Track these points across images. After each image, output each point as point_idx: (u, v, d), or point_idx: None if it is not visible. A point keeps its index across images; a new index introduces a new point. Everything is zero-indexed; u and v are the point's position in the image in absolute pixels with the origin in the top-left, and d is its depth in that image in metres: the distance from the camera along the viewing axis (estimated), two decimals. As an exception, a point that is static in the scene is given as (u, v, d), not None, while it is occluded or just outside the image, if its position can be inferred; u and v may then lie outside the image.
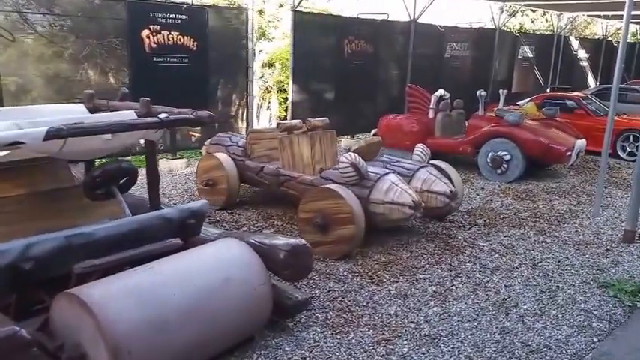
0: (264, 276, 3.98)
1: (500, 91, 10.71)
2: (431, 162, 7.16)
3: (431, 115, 10.43)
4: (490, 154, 9.42)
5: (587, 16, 19.55)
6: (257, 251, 4.14)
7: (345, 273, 5.54)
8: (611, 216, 7.68)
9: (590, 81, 20.32)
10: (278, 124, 7.23)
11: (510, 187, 9.03)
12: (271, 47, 17.67)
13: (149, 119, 4.21)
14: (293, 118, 10.92)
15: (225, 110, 10.55)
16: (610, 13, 17.27)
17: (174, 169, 9.38)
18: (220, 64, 10.09)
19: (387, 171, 6.20)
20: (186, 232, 4.32)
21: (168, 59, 9.10)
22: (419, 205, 5.90)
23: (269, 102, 18.03)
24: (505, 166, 9.28)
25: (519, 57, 17.01)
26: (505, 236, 6.75)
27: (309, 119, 7.58)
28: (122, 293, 3.33)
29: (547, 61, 18.20)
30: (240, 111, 10.64)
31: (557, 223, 7.29)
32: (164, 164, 9.52)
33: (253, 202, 7.73)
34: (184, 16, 9.15)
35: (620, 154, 11.75)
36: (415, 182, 6.42)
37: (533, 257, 6.12)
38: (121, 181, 4.58)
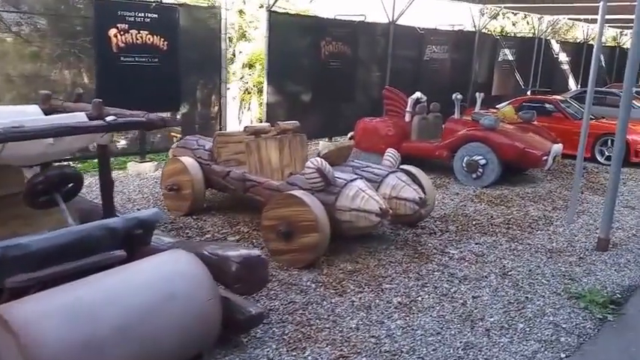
0: (213, 291, 3.77)
1: (477, 94, 10.58)
2: (401, 167, 6.98)
3: (407, 118, 10.27)
4: (465, 159, 9.27)
5: (569, 19, 19.52)
6: (208, 263, 3.93)
7: (309, 283, 5.34)
8: (586, 222, 7.54)
9: (571, 84, 20.30)
10: (245, 127, 7.03)
11: (485, 192, 8.88)
12: (251, 48, 17.44)
13: (94, 122, 4.00)
14: (268, 121, 10.73)
15: (200, 112, 10.33)
16: (590, 17, 17.20)
17: (142, 172, 9.13)
18: (194, 65, 9.89)
19: (355, 176, 6.01)
20: (132, 242, 4.09)
21: (136, 59, 8.86)
22: (386, 212, 5.71)
23: (249, 103, 17.81)
24: (480, 170, 9.13)
25: (499, 60, 16.92)
26: (476, 243, 6.59)
27: (278, 122, 7.38)
28: (53, 311, 3.10)
29: (528, 64, 18.14)
30: (215, 113, 10.41)
31: (531, 230, 7.14)
32: (132, 167, 9.28)
33: (221, 208, 7.51)
34: (154, 15, 8.92)
35: (599, 158, 11.65)
36: (384, 188, 6.23)
37: (504, 266, 5.95)
38: (66, 188, 4.32)
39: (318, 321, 4.62)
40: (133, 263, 3.77)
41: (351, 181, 5.86)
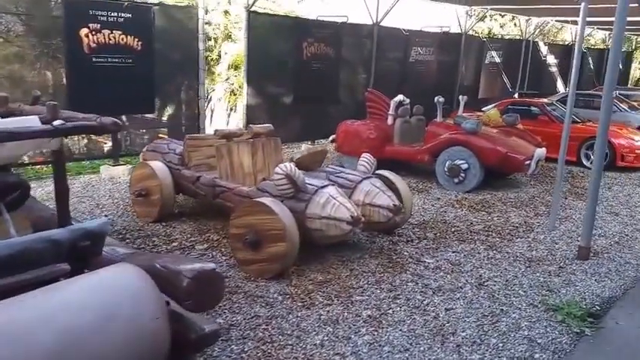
0: (159, 309, 3.51)
1: (460, 97, 10.39)
2: (377, 172, 6.77)
3: (390, 121, 10.07)
4: (447, 163, 9.06)
5: (557, 21, 19.37)
6: (158, 277, 3.69)
7: (275, 295, 5.11)
8: (568, 230, 7.34)
9: (560, 87, 20.15)
10: (215, 130, 6.79)
11: (467, 197, 8.68)
12: (237, 49, 17.21)
13: (37, 127, 3.74)
14: (248, 123, 10.50)
15: (177, 114, 10.09)
16: (578, 19, 17.07)
17: (115, 176, 8.87)
18: (170, 66, 9.66)
19: (326, 183, 5.79)
20: (78, 255, 3.85)
21: (109, 60, 8.61)
22: (358, 220, 5.50)
23: (235, 105, 17.59)
24: (462, 175, 8.93)
25: (486, 62, 16.74)
26: (454, 252, 6.37)
27: (251, 125, 7.17)
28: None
29: (515, 67, 17.97)
30: (194, 115, 10.17)
31: (510, 238, 6.94)
32: (105, 171, 9.03)
33: (192, 214, 7.27)
34: (128, 15, 8.67)
35: (584, 162, 11.48)
36: (357, 195, 6.01)
37: (480, 276, 5.74)
38: (10, 196, 4.06)
39: (281, 337, 4.39)
40: (74, 279, 3.52)
41: (322, 187, 5.65)
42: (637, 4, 6.55)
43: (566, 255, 6.42)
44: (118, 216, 7.17)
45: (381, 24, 12.86)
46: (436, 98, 9.90)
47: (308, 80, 11.43)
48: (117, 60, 8.69)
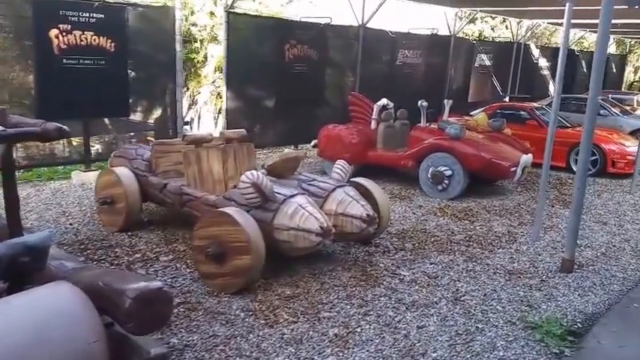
0: (96, 332, 3.22)
1: (445, 101, 10.11)
2: (353, 179, 6.49)
3: (373, 125, 9.80)
4: (431, 169, 8.78)
5: (548, 23, 19.13)
6: (100, 296, 3.40)
7: (238, 312, 4.82)
8: (553, 240, 7.06)
9: (552, 90, 19.87)
10: (183, 135, 6.50)
11: (450, 205, 8.40)
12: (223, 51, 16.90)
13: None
14: (228, 128, 10.21)
15: (154, 117, 9.78)
16: (571, 22, 16.83)
17: (86, 182, 8.55)
18: (146, 68, 9.35)
19: (296, 192, 5.49)
20: (18, 272, 3.55)
21: (80, 61, 8.30)
22: (327, 231, 5.21)
23: (220, 108, 17.28)
24: (446, 182, 8.65)
25: (476, 65, 16.47)
26: (431, 263, 6.09)
27: (222, 130, 6.87)
28: None
29: (506, 70, 17.70)
30: (172, 118, 9.86)
31: (492, 248, 6.65)
32: (76, 177, 8.72)
33: (161, 223, 6.98)
34: (100, 15, 8.36)
35: (574, 168, 11.18)
36: (329, 204, 5.71)
37: (457, 290, 5.45)
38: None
39: (238, 359, 4.10)
40: (5, 299, 3.23)
41: (291, 196, 5.35)
42: (625, 6, 6.26)
43: (549, 267, 6.13)
44: (83, 225, 6.86)
45: (367, 26, 12.57)
46: (419, 102, 9.63)
47: (290, 83, 11.12)
48: (89, 62, 8.39)
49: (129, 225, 6.57)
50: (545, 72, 19.78)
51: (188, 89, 16.31)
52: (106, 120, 9.32)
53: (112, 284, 3.56)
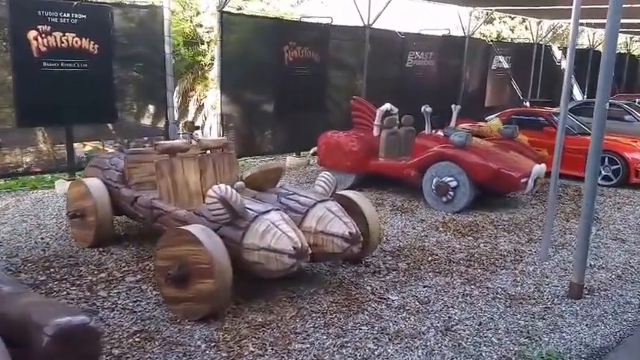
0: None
1: (453, 106, 9.46)
2: (341, 192, 5.95)
3: (375, 132, 9.24)
4: (435, 180, 8.18)
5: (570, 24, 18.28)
6: (19, 331, 2.94)
7: (199, 342, 4.31)
8: (563, 259, 6.42)
9: (577, 94, 19.07)
10: (155, 143, 6.02)
11: (455, 219, 7.79)
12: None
13: None
14: (223, 135, 9.74)
15: (144, 122, 9.34)
16: (594, 21, 16.06)
17: (69, 191, 8.11)
18: (134, 71, 8.91)
19: (269, 207, 4.97)
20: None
21: (61, 64, 7.89)
22: (302, 252, 4.68)
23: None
24: (451, 193, 8.04)
25: (493, 67, 15.78)
26: (425, 286, 5.51)
27: (200, 138, 6.39)
28: None
29: (526, 73, 16.94)
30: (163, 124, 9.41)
31: (494, 269, 6.04)
32: (60, 186, 8.30)
33: (137, 238, 6.51)
34: (82, 16, 7.94)
35: (594, 178, 10.47)
36: (309, 221, 5.15)
37: (449, 317, 4.87)
38: None
39: (185, 402, 3.58)
40: None
41: (264, 213, 4.83)
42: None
43: (556, 292, 5.51)
44: (55, 239, 6.43)
45: (373, 26, 11.98)
46: (423, 107, 9.03)
47: (291, 87, 10.60)
48: (70, 65, 7.98)
49: (100, 240, 6.11)
50: (569, 75, 18.90)
51: (195, 92, 15.93)
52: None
53: (32, 317, 3.08)
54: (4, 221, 6.97)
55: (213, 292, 4.48)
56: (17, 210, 7.47)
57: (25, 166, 8.21)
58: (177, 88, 18.23)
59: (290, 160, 11.17)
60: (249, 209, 4.86)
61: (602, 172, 10.37)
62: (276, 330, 4.53)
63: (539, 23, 17.17)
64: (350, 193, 5.99)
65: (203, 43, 15.85)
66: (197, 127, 9.76)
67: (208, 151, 6.25)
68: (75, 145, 8.52)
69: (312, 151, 9.83)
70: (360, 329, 4.61)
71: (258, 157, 11.20)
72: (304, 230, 5.06)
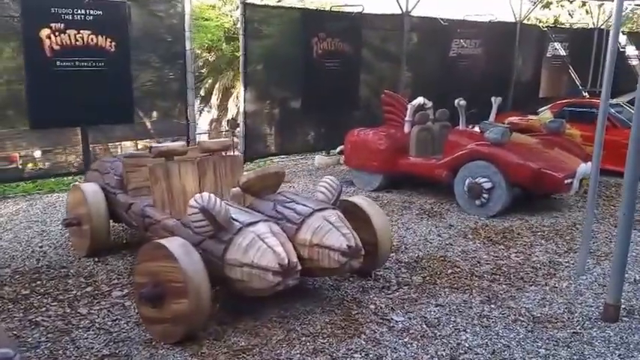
0: None
1: (493, 99, 8.69)
2: (348, 199, 5.43)
3: (406, 129, 8.61)
4: (467, 181, 7.51)
5: (636, 5, 16.95)
6: None
7: (170, 370, 3.90)
8: (604, 273, 5.65)
9: (643, 82, 17.65)
10: (150, 146, 5.65)
11: (489, 225, 7.11)
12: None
13: None
14: (247, 134, 9.35)
15: (163, 124, 9.04)
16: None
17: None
18: (153, 69, 8.60)
19: (258, 218, 4.50)
20: None
21: (77, 63, 7.64)
22: (290, 269, 4.20)
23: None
24: (485, 196, 7.35)
25: (549, 55, 14.72)
26: (437, 305, 4.92)
27: (201, 140, 5.99)
28: None
29: (585, 61, 15.74)
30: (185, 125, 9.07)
31: (522, 285, 5.37)
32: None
33: (138, 246, 6.10)
34: (97, 12, 7.67)
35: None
36: (304, 232, 4.62)
37: (458, 344, 4.28)
38: None
39: None
40: None
41: (249, 224, 4.37)
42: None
43: (589, 314, 4.80)
44: (55, 248, 6.19)
45: (412, 13, 11.27)
46: (456, 101, 8.32)
47: (320, 82, 10.03)
48: (86, 64, 7.72)
49: (96, 249, 5.82)
50: (635, 62, 17.55)
51: (235, 89, 15.60)
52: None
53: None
54: (10, 227, 6.81)
55: (187, 314, 4.06)
56: (26, 215, 7.30)
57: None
58: (217, 85, 18.01)
59: (319, 159, 10.65)
60: (235, 220, 4.41)
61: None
62: (257, 356, 4.08)
63: (600, 6, 15.94)
64: (358, 199, 5.45)
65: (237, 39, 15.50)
66: (239, 125, 9.42)
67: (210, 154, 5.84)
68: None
69: (338, 150, 9.29)
70: (352, 357, 4.09)
71: (283, 157, 10.78)
72: (299, 243, 4.56)
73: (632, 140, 4.39)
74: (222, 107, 15.12)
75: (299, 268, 4.30)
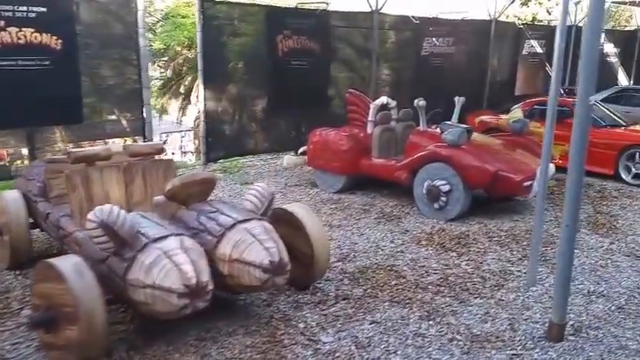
0: None
1: (456, 98, 8.31)
2: (283, 207, 5.07)
3: (369, 129, 8.24)
4: (426, 183, 7.16)
5: (613, 3, 16.60)
6: None
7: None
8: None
9: (622, 80, 17.34)
10: (68, 151, 5.27)
11: (446, 229, 6.76)
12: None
13: None
14: (208, 134, 8.98)
15: (118, 124, 8.66)
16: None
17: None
18: (104, 68, 8.22)
19: (169, 232, 4.12)
20: None
21: (19, 63, 7.24)
22: (199, 290, 3.83)
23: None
24: (444, 199, 7.01)
25: (525, 53, 14.37)
26: (372, 322, 4.56)
27: (129, 144, 5.60)
28: None
29: (563, 58, 15.36)
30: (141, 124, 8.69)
31: (467, 297, 5.01)
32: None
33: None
34: (41, 9, 7.27)
35: (624, 176, 9.17)
36: (223, 246, 4.25)
37: (386, 369, 3.92)
38: None
39: None
40: None
41: (156, 240, 3.98)
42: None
43: (533, 332, 4.44)
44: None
45: (383, 11, 10.90)
46: (416, 101, 7.94)
47: (286, 81, 9.69)
48: (30, 63, 7.31)
49: (16, 261, 5.43)
50: (613, 59, 17.21)
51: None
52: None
53: None
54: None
55: (78, 342, 3.67)
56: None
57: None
58: (196, 82, 17.58)
59: (287, 159, 10.27)
60: (143, 235, 4.03)
61: (633, 169, 9.07)
62: (161, 386, 3.70)
63: (577, 3, 15.58)
64: (294, 207, 5.09)
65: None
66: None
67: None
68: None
69: (300, 151, 8.92)
70: (265, 386, 3.72)
71: (250, 158, 10.43)
72: (219, 257, 4.21)
73: (573, 152, 4.02)
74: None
75: (210, 288, 3.93)
